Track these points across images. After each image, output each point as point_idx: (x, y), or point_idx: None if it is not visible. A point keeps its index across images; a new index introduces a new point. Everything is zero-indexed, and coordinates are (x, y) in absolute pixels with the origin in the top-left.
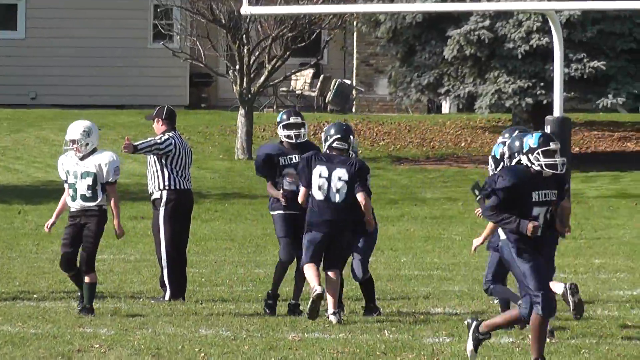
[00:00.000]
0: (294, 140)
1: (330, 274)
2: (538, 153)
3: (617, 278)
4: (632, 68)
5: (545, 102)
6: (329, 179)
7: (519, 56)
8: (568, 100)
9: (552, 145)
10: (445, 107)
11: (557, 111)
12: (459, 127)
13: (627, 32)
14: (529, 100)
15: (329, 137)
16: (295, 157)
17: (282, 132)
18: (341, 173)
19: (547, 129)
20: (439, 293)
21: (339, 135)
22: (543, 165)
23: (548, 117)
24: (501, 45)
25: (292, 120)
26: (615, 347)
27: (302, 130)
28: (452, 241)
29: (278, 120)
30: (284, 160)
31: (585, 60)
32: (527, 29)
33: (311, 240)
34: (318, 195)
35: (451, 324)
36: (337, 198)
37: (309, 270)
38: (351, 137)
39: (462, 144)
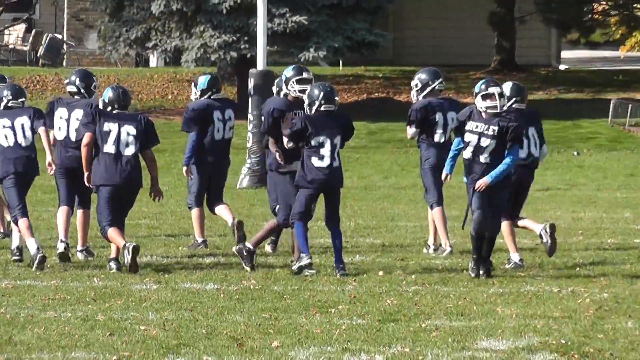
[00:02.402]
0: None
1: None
2: None
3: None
4: (333, 23)
5: (249, 55)
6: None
7: (224, 11)
8: (271, 54)
9: None
10: (153, 61)
11: (260, 64)
12: (166, 80)
13: None
14: (234, 54)
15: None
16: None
17: (296, 87)
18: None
19: (251, 82)
20: (147, 242)
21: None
22: None
23: (252, 70)
24: (207, 1)
25: (305, 75)
26: (316, 294)
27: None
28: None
29: (287, 76)
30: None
31: (287, 15)
32: None
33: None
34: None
35: (158, 271)
36: None
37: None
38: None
39: (169, 97)
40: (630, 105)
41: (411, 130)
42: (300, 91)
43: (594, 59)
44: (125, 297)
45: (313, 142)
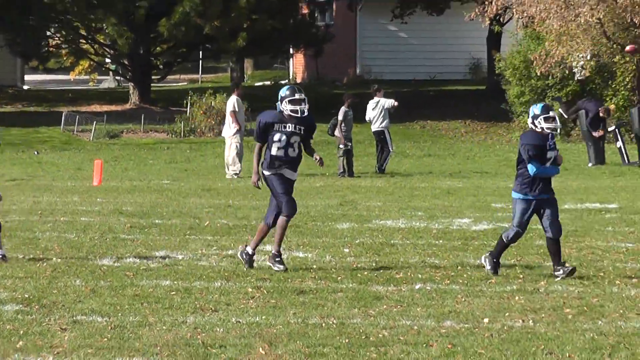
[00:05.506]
0: (298, 115)
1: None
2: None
3: None
4: None
5: None
6: None
7: None
8: None
9: None
10: None
11: None
12: None
13: None
14: None
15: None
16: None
17: (288, 107)
18: None
19: None
20: None
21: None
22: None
23: None
24: None
25: (297, 96)
26: None
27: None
28: None
29: (282, 95)
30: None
31: None
32: None
33: None
34: None
35: None
36: None
37: None
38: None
39: None
40: (77, 116)
41: None
42: (292, 110)
43: (50, 81)
44: None
45: None
